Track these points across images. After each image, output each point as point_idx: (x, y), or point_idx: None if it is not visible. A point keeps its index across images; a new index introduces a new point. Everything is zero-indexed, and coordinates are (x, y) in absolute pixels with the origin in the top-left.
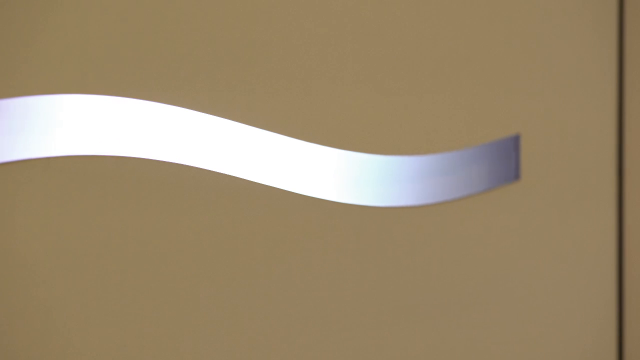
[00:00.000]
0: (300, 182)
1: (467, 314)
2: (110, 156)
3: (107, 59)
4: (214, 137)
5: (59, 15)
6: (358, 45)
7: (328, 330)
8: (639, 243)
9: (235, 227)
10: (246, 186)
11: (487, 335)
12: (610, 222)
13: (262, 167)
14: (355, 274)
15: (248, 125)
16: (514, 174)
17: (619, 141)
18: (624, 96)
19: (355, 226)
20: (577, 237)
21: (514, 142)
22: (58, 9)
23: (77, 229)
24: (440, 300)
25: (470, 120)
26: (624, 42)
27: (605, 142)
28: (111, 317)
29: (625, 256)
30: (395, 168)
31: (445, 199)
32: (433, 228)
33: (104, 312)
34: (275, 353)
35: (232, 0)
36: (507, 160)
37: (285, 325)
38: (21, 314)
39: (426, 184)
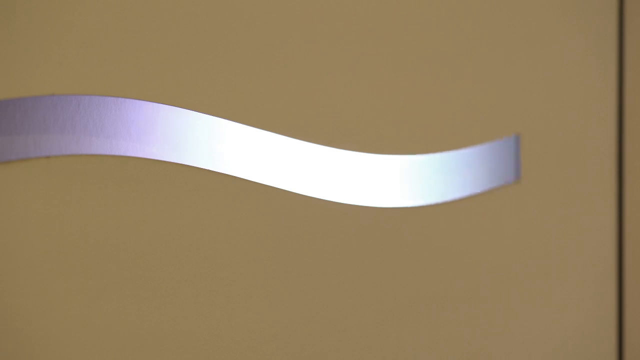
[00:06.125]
0: (300, 182)
1: (467, 313)
2: (110, 156)
3: (107, 59)
4: (215, 138)
5: (59, 15)
6: (358, 46)
7: (329, 329)
8: (639, 243)
9: (235, 227)
10: (246, 186)
11: (487, 335)
12: (610, 222)
13: (262, 167)
14: (355, 274)
15: (248, 125)
16: (514, 174)
17: (619, 141)
18: (624, 96)
19: (355, 226)
20: (577, 237)
21: (514, 142)
22: (58, 9)
23: (77, 229)
24: (441, 299)
25: (470, 120)
26: (624, 42)
27: (605, 142)
28: (111, 317)
29: (625, 256)
30: (395, 168)
31: (445, 199)
32: (433, 228)
33: (104, 312)
34: (276, 353)
35: (232, 0)
36: (507, 160)
37: (286, 325)
38: (21, 314)
39: (426, 184)
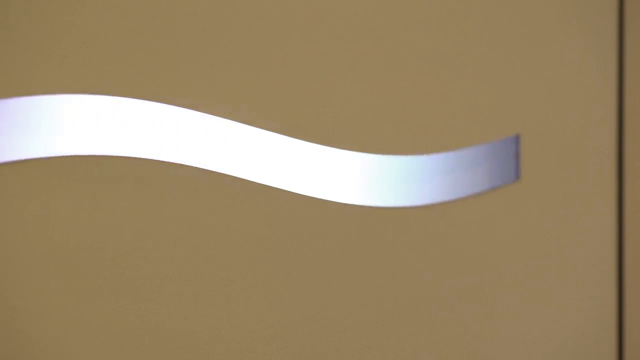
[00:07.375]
0: (300, 182)
1: (467, 313)
2: (110, 156)
3: (107, 59)
4: (214, 137)
5: (59, 15)
6: (358, 46)
7: (329, 329)
8: (639, 243)
9: (235, 227)
10: (246, 186)
11: (487, 335)
12: (610, 222)
13: (262, 167)
14: (355, 274)
15: (248, 125)
16: (514, 174)
17: (619, 141)
18: (624, 96)
19: (355, 226)
20: (577, 237)
21: (514, 142)
22: (58, 9)
23: (77, 229)
24: (441, 299)
25: (470, 120)
26: (624, 42)
27: (605, 142)
28: (110, 318)
29: (625, 256)
30: (395, 168)
31: (445, 199)
32: (433, 228)
33: (104, 312)
34: (276, 353)
35: (232, 0)
36: (507, 160)
37: (286, 325)
38: (21, 314)
39: (426, 184)
